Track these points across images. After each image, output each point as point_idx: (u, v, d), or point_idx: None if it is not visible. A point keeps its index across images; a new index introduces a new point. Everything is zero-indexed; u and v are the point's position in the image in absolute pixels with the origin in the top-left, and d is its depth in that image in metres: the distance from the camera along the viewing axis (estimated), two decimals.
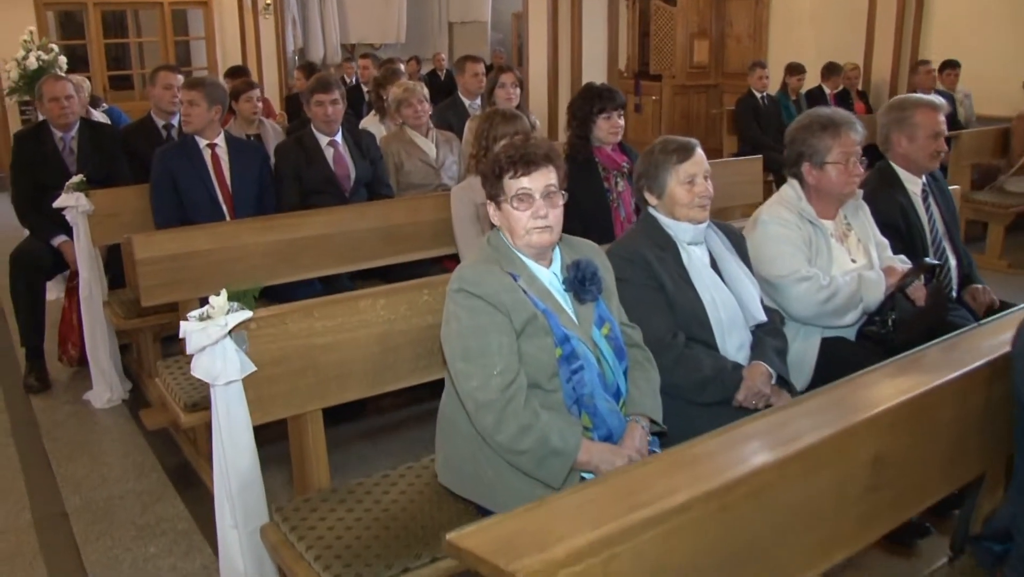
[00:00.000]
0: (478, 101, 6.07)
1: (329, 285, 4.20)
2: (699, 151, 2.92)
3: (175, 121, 5.20)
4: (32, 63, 7.76)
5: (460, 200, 3.94)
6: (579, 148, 4.19)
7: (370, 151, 4.71)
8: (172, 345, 4.87)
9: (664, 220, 2.95)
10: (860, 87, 8.52)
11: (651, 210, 2.99)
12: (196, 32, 11.11)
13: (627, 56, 10.36)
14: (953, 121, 7.59)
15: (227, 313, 2.32)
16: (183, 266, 3.48)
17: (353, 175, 4.60)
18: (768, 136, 7.79)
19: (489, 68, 11.72)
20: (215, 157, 4.41)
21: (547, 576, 1.34)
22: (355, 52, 11.62)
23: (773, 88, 8.22)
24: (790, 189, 3.33)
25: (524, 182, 2.44)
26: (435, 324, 2.69)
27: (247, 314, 2.34)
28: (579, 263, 2.57)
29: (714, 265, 2.97)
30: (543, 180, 2.47)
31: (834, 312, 3.14)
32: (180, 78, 5.21)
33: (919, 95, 3.68)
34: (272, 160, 4.66)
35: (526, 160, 2.46)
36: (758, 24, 9.66)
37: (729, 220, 5.06)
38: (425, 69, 11.21)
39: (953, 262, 3.66)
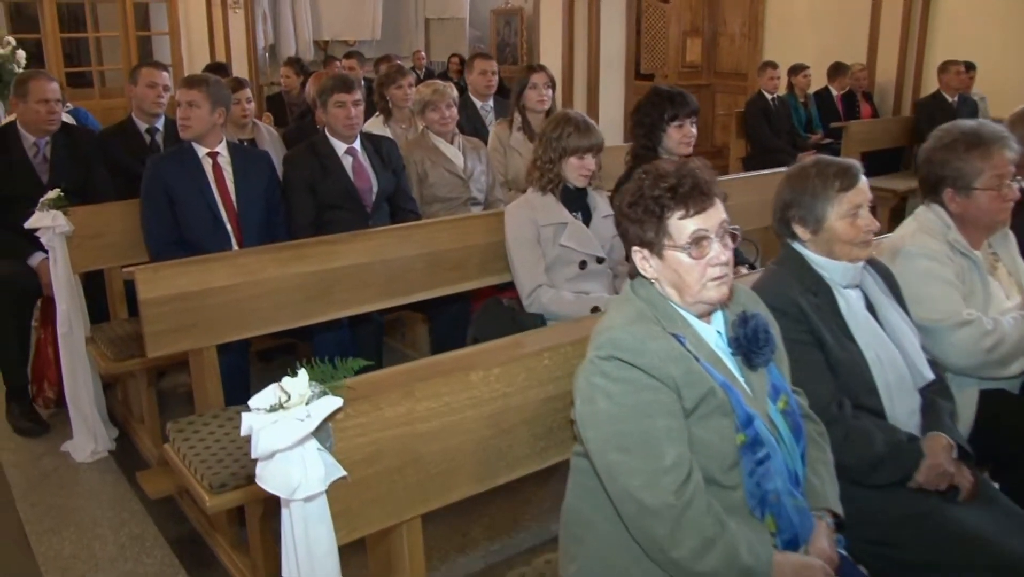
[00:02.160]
0: (491, 102, 5.42)
1: (358, 325, 3.54)
2: (863, 175, 2.32)
3: (159, 124, 4.46)
4: None
5: (517, 220, 3.29)
6: (645, 160, 3.54)
7: (392, 160, 4.03)
8: (162, 381, 4.16)
9: (815, 258, 2.35)
10: (865, 88, 8.00)
11: (797, 246, 2.37)
12: (159, 27, 10.21)
13: None
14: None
15: (307, 402, 1.64)
16: (196, 306, 2.77)
17: (375, 188, 3.91)
18: (780, 139, 7.26)
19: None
20: (217, 168, 3.68)
21: None
22: (328, 49, 10.84)
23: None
24: (932, 215, 2.73)
25: (699, 222, 1.83)
26: (555, 396, 2.06)
27: (336, 403, 1.66)
28: (747, 317, 1.96)
29: (870, 312, 2.38)
30: (718, 216, 1.87)
31: (1000, 361, 2.56)
32: (166, 75, 4.46)
33: None
34: (279, 170, 3.96)
35: (700, 192, 1.84)
36: (753, 22, 9.10)
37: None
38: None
39: None
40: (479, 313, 3.37)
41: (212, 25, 9.63)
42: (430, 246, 3.22)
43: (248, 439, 1.64)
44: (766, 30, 9.01)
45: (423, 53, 10.47)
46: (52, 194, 3.60)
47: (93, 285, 3.99)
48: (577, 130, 3.26)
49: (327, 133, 3.91)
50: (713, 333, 1.94)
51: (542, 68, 4.51)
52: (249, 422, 1.63)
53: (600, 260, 3.33)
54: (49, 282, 3.78)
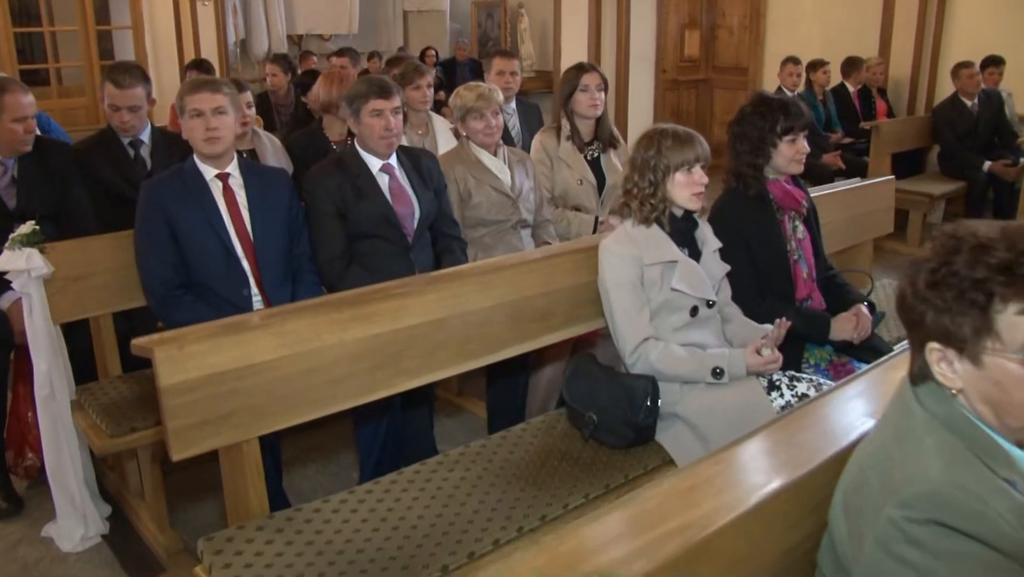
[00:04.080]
0: (513, 104, 4.72)
1: (412, 407, 2.87)
2: None
3: (145, 136, 3.69)
4: None
5: (618, 258, 2.61)
6: (751, 180, 2.94)
7: (433, 177, 3.31)
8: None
9: None
10: (880, 84, 7.43)
11: None
12: (121, 20, 9.28)
13: None
14: (1001, 120, 6.61)
15: None
16: (234, 390, 2.04)
17: (418, 212, 3.19)
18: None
19: (450, 62, 10.34)
20: (228, 192, 2.95)
21: None
22: (302, 44, 10.01)
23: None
24: None
25: None
26: (793, 545, 1.41)
27: None
28: None
29: None
30: None
31: None
32: (140, 92, 3.60)
33: None
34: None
35: None
36: (754, 14, 8.46)
37: (856, 264, 3.91)
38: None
39: None
40: (571, 373, 2.70)
41: (180, 19, 8.74)
42: (514, 292, 2.53)
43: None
44: (768, 22, 8.41)
45: (406, 48, 9.70)
46: (25, 228, 2.84)
47: (76, 334, 3.22)
48: (677, 140, 2.62)
49: (358, 147, 3.18)
50: None
51: (593, 67, 3.82)
52: None
53: (711, 304, 2.68)
54: (23, 329, 3.00)
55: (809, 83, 7.07)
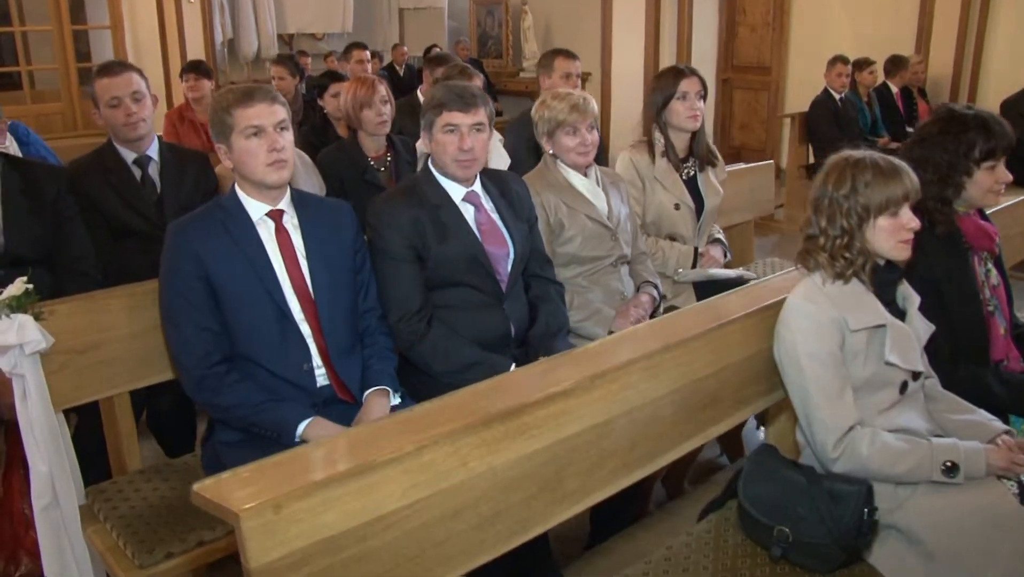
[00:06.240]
0: None
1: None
2: None
3: (152, 151, 2.98)
4: None
5: (815, 323, 1.96)
6: (940, 215, 2.30)
7: (525, 206, 2.62)
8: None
9: None
10: (921, 84, 6.86)
11: None
12: (99, 19, 8.44)
13: None
14: None
15: None
16: (356, 557, 1.33)
17: (512, 251, 2.50)
18: (852, 146, 6.04)
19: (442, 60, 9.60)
20: (283, 235, 2.24)
21: None
22: (293, 43, 9.22)
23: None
24: None
25: None
26: None
27: None
28: None
29: None
30: None
31: None
32: (137, 78, 2.91)
33: None
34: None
35: None
36: (778, 10, 7.86)
37: None
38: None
39: None
40: (750, 471, 2.03)
41: (163, 17, 7.94)
42: (685, 375, 1.85)
43: None
44: (793, 18, 7.80)
45: (405, 48, 8.95)
46: (14, 289, 2.11)
47: (84, 416, 2.52)
48: (879, 174, 1.99)
49: (433, 170, 2.49)
50: None
51: (693, 72, 3.15)
52: None
53: (916, 376, 2.04)
54: (12, 403, 2.27)
55: (853, 84, 6.45)
